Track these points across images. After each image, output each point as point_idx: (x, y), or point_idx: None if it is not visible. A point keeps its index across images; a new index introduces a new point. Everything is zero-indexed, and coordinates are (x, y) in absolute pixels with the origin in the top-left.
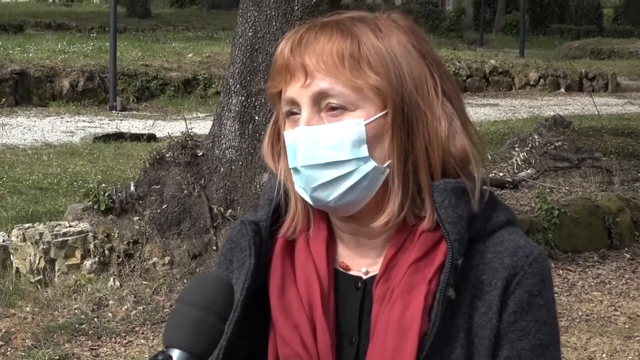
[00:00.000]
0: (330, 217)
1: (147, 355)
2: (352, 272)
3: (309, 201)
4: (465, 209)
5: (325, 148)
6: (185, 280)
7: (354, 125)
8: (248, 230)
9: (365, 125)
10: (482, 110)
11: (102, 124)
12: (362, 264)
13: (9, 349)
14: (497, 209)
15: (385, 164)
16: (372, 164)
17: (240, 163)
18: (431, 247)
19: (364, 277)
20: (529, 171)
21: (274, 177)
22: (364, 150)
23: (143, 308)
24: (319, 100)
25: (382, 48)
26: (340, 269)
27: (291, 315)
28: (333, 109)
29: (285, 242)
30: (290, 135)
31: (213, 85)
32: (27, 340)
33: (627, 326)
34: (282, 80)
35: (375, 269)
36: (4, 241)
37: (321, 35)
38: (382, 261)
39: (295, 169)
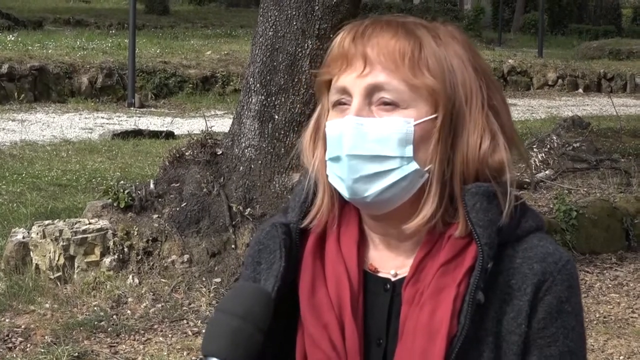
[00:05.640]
0: (362, 218)
1: (165, 353)
2: (380, 274)
3: (345, 194)
4: (496, 214)
5: (373, 141)
6: (203, 279)
7: (403, 123)
8: (279, 233)
9: (415, 125)
10: None
11: (121, 120)
12: (390, 266)
13: (28, 345)
14: (527, 214)
15: (426, 168)
16: (414, 166)
17: (260, 162)
18: (460, 250)
19: (393, 279)
20: (547, 172)
21: (305, 178)
22: (409, 150)
23: (162, 306)
24: (373, 92)
25: (441, 54)
26: (369, 271)
27: (321, 315)
28: (385, 104)
29: (316, 242)
30: (337, 123)
31: (231, 83)
32: (46, 337)
33: None
34: (337, 68)
35: (404, 271)
36: (23, 237)
37: (386, 31)
38: (412, 263)
39: (338, 158)
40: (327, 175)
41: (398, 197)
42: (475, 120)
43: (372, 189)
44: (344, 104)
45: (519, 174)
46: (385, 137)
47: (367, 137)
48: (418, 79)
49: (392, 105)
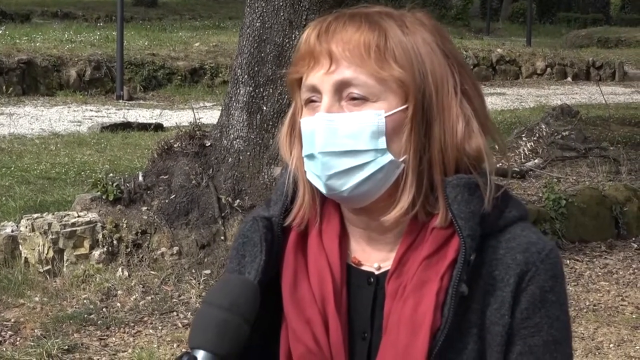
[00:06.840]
0: (342, 212)
1: (155, 345)
2: (364, 267)
3: (323, 190)
4: (478, 205)
5: (344, 136)
6: (193, 270)
7: (374, 116)
8: (260, 227)
9: (386, 117)
10: (489, 100)
11: (109, 113)
12: (374, 259)
13: (18, 338)
14: (510, 204)
15: (401, 159)
16: (388, 157)
17: (248, 153)
18: (443, 243)
19: (376, 272)
20: (536, 161)
21: (286, 171)
22: (382, 142)
23: (151, 298)
24: (341, 88)
25: (408, 43)
26: (352, 264)
27: (303, 310)
28: (354, 98)
29: (298, 236)
30: (309, 121)
31: (220, 75)
32: (36, 330)
33: (634, 316)
34: (305, 66)
35: (387, 265)
36: (12, 231)
37: (349, 25)
38: (394, 257)
39: (312, 156)
40: (305, 172)
41: (375, 190)
42: (449, 107)
43: (348, 184)
44: (315, 101)
45: (509, 163)
46: (357, 132)
47: (338, 133)
48: (385, 71)
49: (361, 99)
